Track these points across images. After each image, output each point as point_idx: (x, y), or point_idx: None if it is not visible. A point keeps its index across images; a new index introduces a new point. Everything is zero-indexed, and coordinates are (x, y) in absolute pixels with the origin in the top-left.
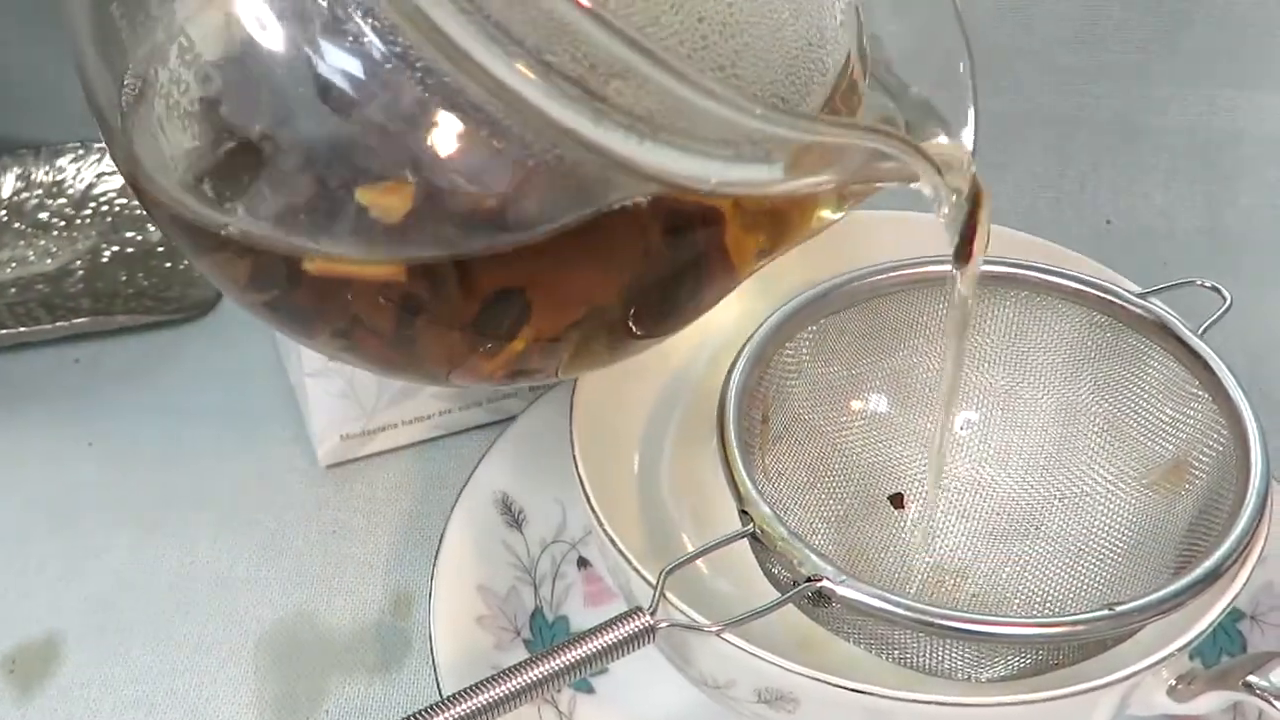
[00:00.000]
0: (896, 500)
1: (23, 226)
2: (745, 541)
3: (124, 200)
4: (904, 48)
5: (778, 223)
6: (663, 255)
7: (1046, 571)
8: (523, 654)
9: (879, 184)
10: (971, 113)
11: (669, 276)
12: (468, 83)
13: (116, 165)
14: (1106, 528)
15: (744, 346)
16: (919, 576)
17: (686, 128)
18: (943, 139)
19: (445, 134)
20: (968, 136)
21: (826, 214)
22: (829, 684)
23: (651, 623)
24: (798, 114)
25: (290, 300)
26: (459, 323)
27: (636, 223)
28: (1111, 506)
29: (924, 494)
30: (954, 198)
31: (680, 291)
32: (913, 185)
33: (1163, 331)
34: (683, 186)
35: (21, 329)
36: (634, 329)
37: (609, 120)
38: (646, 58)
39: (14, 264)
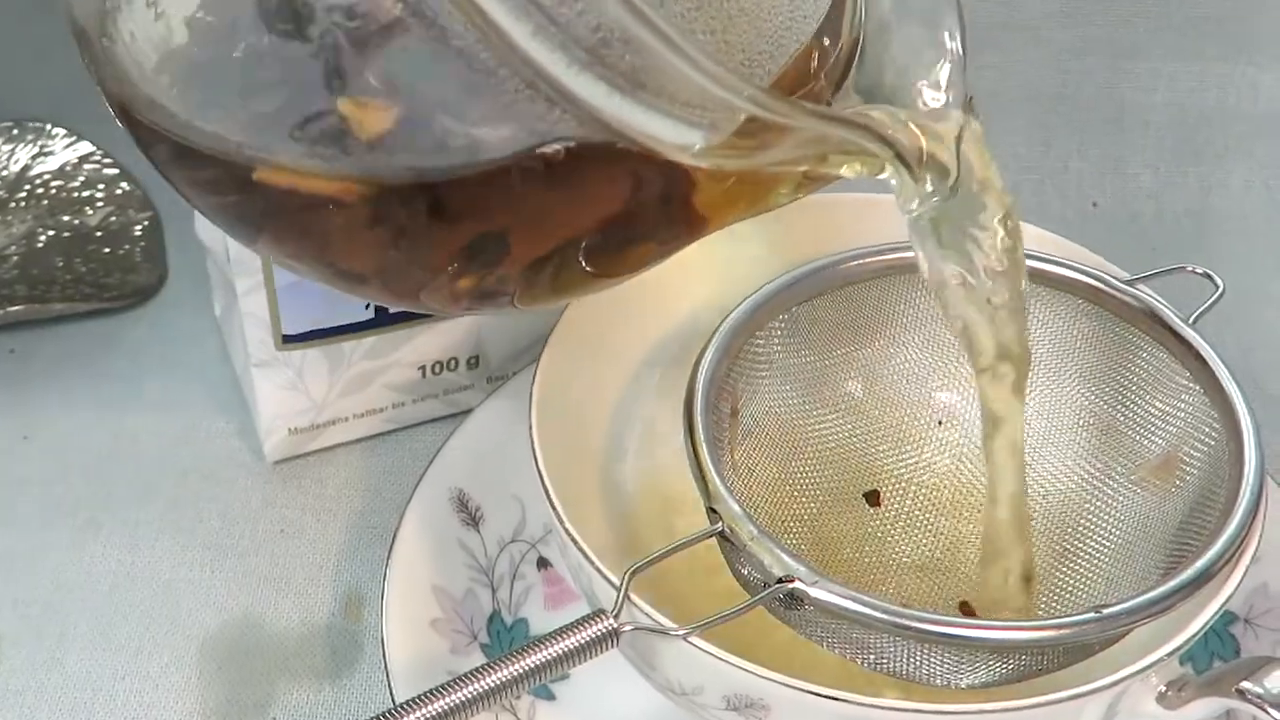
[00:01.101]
0: (872, 498)
1: None
2: (714, 541)
3: (60, 183)
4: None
5: (745, 188)
6: (627, 202)
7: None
8: (480, 659)
9: (844, 172)
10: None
11: (630, 224)
12: (450, 12)
13: (99, 83)
14: (1093, 526)
15: (712, 336)
16: (896, 578)
17: (668, 91)
18: (931, 98)
19: (422, 61)
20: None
21: (786, 192)
22: (802, 690)
23: (615, 626)
24: (776, 95)
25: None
26: (433, 251)
27: (604, 169)
28: (1098, 504)
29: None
30: (929, 189)
31: (639, 240)
32: (880, 176)
33: (1152, 320)
34: (652, 149)
35: None
36: (586, 268)
37: (590, 72)
38: (633, 14)
39: None
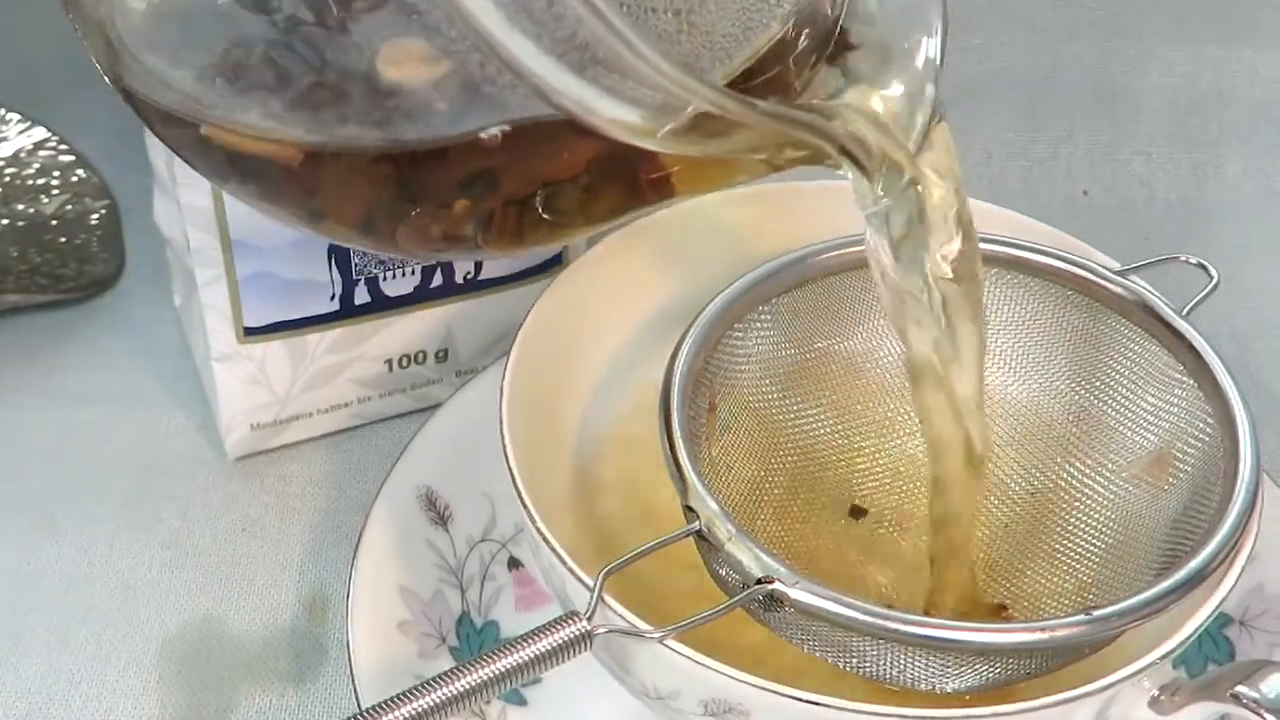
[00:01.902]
0: (856, 512)
1: None
2: (691, 540)
3: (14, 170)
4: None
5: (705, 165)
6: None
7: (1018, 574)
8: (448, 662)
9: (801, 162)
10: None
11: (607, 180)
12: None
13: (85, 41)
14: (1083, 526)
15: (689, 329)
16: (879, 577)
17: (616, 75)
18: (894, 90)
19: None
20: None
21: (748, 173)
22: (781, 695)
23: (589, 628)
24: (720, 89)
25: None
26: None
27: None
28: (1088, 503)
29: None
30: (880, 191)
31: (612, 197)
32: (837, 171)
33: (1144, 312)
34: (602, 129)
35: None
36: (545, 216)
37: (537, 45)
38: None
39: None
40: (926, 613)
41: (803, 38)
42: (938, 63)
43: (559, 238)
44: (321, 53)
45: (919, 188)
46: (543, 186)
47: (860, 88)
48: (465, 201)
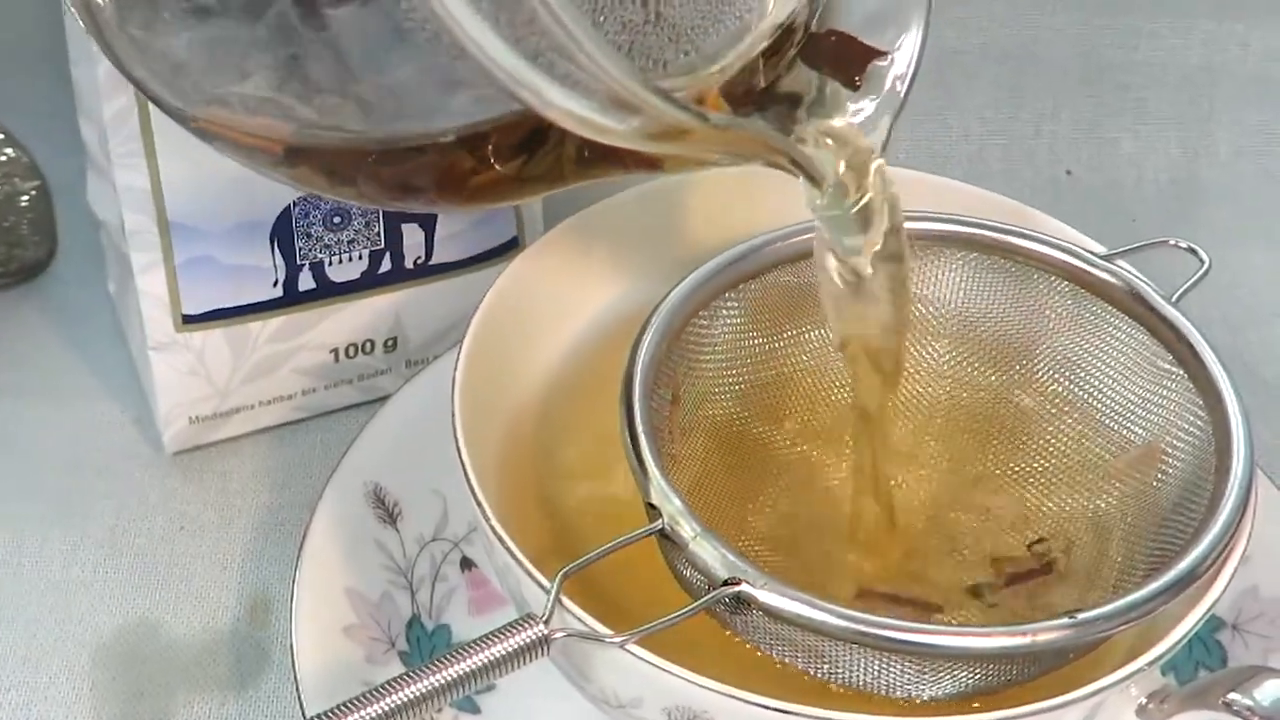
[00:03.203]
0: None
1: None
2: (654, 539)
3: None
4: None
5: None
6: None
7: (996, 573)
8: (398, 668)
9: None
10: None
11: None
12: None
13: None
14: (1068, 524)
15: (651, 316)
16: (851, 580)
17: (568, 70)
18: (859, 108)
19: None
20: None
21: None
22: (749, 703)
23: (546, 632)
24: (666, 97)
25: None
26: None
27: None
28: (1074, 500)
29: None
30: (825, 201)
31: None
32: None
33: (1131, 298)
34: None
35: None
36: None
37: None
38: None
39: None
40: (911, 605)
41: (771, 36)
42: (912, 76)
43: (526, 194)
44: (297, 36)
45: (864, 200)
46: (516, 146)
47: (828, 94)
48: (439, 155)
